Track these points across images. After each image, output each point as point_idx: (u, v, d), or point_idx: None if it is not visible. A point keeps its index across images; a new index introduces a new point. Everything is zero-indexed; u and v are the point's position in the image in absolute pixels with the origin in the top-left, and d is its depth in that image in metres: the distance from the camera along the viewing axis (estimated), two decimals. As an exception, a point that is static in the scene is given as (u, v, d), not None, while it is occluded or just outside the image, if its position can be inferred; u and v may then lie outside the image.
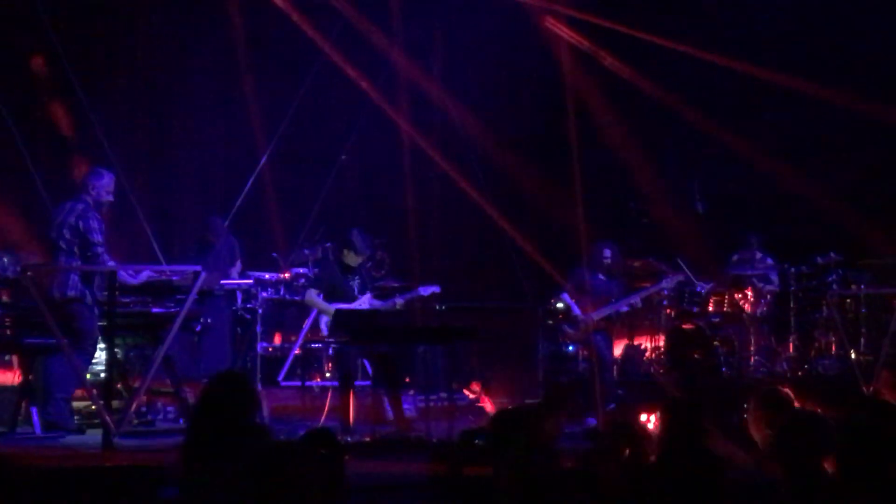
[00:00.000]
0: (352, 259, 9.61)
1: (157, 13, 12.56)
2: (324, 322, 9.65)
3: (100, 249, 8.49)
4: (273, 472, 3.72)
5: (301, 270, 11.38)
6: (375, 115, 12.79)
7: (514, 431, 5.00)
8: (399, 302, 9.71)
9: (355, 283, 9.60)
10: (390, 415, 9.35)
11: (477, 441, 5.57)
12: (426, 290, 9.89)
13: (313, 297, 9.57)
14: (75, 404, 8.76)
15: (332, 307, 9.32)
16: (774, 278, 11.74)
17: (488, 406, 10.89)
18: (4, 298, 8.89)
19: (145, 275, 8.95)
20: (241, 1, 12.11)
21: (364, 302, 9.55)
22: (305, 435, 4.83)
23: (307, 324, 10.44)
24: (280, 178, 12.54)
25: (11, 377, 9.18)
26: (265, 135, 12.41)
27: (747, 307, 11.46)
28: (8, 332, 8.60)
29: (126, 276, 8.76)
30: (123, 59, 12.41)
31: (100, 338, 8.59)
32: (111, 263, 8.57)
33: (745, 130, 12.70)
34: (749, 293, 11.52)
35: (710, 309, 11.55)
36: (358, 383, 9.88)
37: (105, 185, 8.78)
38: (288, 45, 12.78)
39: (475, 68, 13.11)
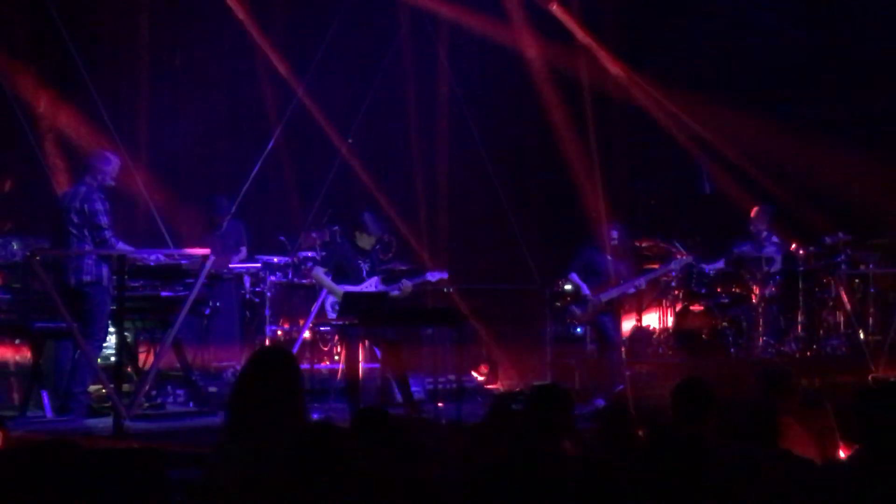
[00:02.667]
0: (364, 241, 9.64)
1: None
2: (329, 304, 9.67)
3: (107, 233, 8.51)
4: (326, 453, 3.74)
5: (309, 254, 11.39)
6: (383, 97, 12.77)
7: (552, 406, 5.01)
8: (407, 285, 9.73)
9: (365, 266, 9.62)
10: (399, 397, 9.38)
11: (514, 406, 5.57)
12: (434, 276, 9.92)
13: (320, 274, 9.58)
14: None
15: (340, 288, 9.35)
16: (778, 258, 11.70)
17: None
18: (14, 283, 8.91)
19: (154, 257, 8.99)
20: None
21: (372, 285, 9.56)
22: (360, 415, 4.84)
23: (315, 307, 10.46)
24: (288, 162, 12.55)
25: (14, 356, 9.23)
26: (273, 118, 12.42)
27: (755, 288, 11.44)
28: (18, 316, 8.64)
29: (140, 255, 8.81)
30: (127, 40, 12.38)
31: (109, 322, 8.64)
32: (120, 245, 8.60)
33: (753, 109, 12.66)
34: (756, 274, 11.50)
35: (718, 290, 11.54)
36: (366, 366, 9.92)
37: (112, 171, 8.81)
38: (294, 27, 12.77)
39: (480, 47, 13.07)
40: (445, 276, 9.98)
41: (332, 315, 9.61)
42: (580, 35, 12.94)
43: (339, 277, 9.51)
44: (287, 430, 4.08)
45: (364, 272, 9.60)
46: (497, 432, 5.19)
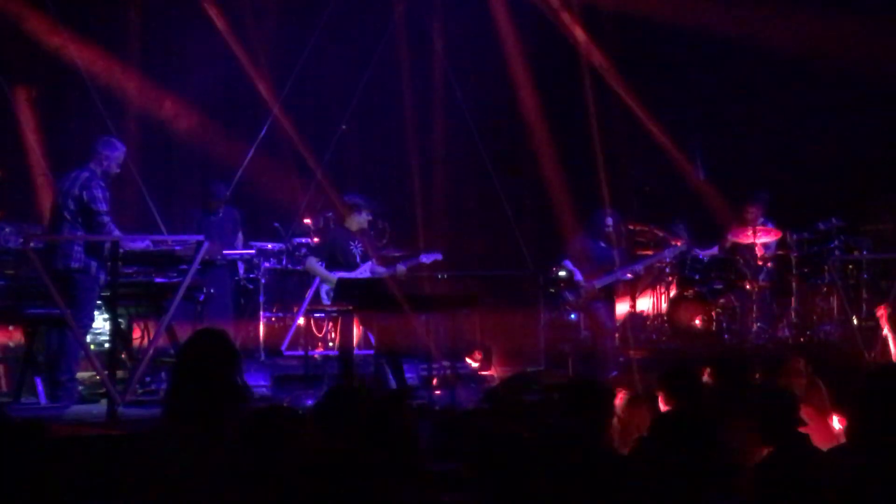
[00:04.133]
0: (353, 223, 9.65)
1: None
2: (324, 291, 9.67)
3: (105, 219, 8.46)
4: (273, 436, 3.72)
5: (303, 240, 11.39)
6: (376, 83, 12.75)
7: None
8: (401, 269, 9.73)
9: (357, 251, 9.62)
10: (392, 383, 9.39)
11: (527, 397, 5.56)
12: (428, 258, 9.93)
13: (314, 264, 9.60)
14: (80, 374, 8.80)
15: (333, 275, 9.35)
16: (773, 243, 11.72)
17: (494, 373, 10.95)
18: (7, 269, 8.88)
19: (144, 244, 8.94)
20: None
21: (365, 270, 9.57)
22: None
23: (310, 293, 10.47)
24: (281, 148, 12.52)
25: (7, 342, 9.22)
26: (266, 103, 12.38)
27: (749, 274, 11.46)
28: (11, 302, 8.61)
29: (128, 241, 8.75)
30: (119, 23, 12.32)
31: (103, 308, 8.61)
32: (116, 233, 8.56)
33: (747, 96, 12.67)
34: (751, 260, 11.52)
35: (712, 276, 11.55)
36: (359, 352, 9.92)
37: (117, 158, 8.74)
38: (289, 12, 12.74)
39: (476, 32, 13.05)
40: (440, 257, 9.98)
41: (326, 302, 9.61)
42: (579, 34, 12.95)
43: (333, 265, 9.51)
44: (228, 415, 4.05)
45: (358, 257, 9.60)
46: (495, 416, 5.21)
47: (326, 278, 9.50)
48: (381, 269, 9.75)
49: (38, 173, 10.99)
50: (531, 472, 3.74)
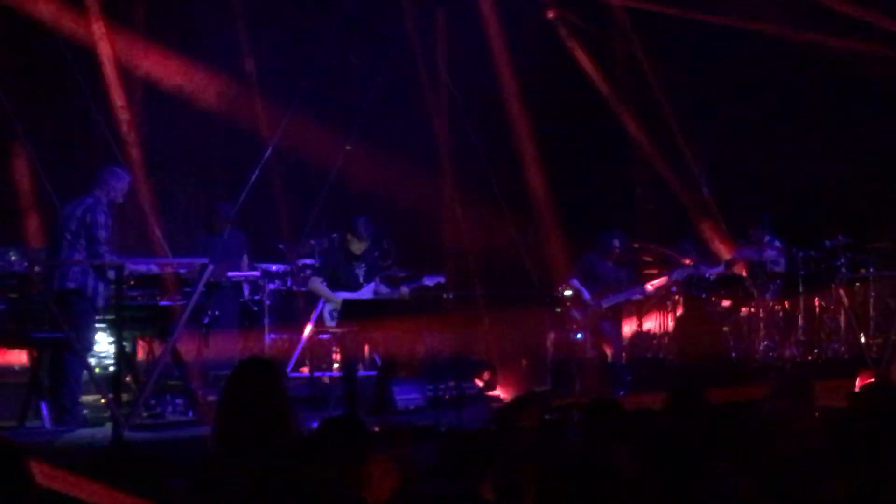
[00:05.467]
0: (356, 246, 9.65)
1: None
2: (328, 311, 9.65)
3: (102, 248, 8.45)
4: (304, 462, 3.70)
5: (308, 261, 11.36)
6: (383, 101, 12.74)
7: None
8: (404, 291, 9.71)
9: (360, 272, 9.62)
10: (398, 405, 9.41)
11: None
12: (431, 280, 9.91)
13: (317, 284, 9.60)
14: (84, 398, 8.76)
15: (338, 295, 9.33)
16: (781, 261, 11.69)
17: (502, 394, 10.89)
18: (12, 293, 8.86)
19: (147, 267, 8.94)
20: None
21: (368, 291, 9.56)
22: (329, 422, 4.81)
23: (315, 315, 10.44)
24: (285, 169, 12.51)
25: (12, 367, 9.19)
26: (270, 125, 12.37)
27: (756, 291, 11.42)
28: (16, 326, 8.59)
29: (132, 265, 8.75)
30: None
31: (108, 331, 8.59)
32: (116, 259, 8.54)
33: (754, 112, 12.64)
34: (758, 278, 11.48)
35: (719, 293, 11.51)
36: (365, 374, 9.89)
37: (122, 188, 8.79)
38: (292, 32, 12.72)
39: (479, 54, 13.05)
40: (443, 280, 9.97)
41: (330, 322, 9.59)
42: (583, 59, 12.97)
43: (335, 286, 9.50)
44: (277, 441, 4.05)
45: (361, 278, 9.59)
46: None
47: (330, 298, 9.48)
48: (384, 291, 9.73)
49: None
50: None
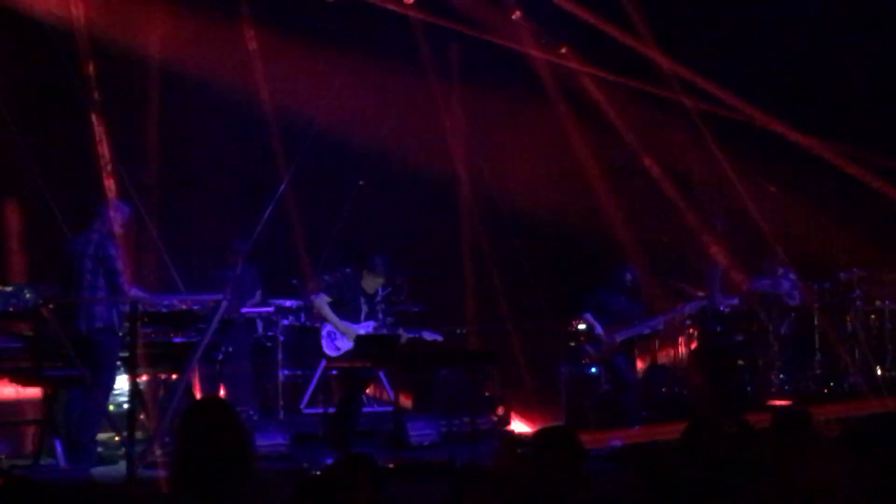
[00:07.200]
0: (369, 283, 9.63)
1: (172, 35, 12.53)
2: (325, 331, 9.56)
3: (121, 279, 8.50)
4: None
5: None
6: (396, 138, 12.77)
7: (558, 449, 4.89)
8: (403, 335, 9.64)
9: (364, 308, 9.59)
10: (412, 440, 9.37)
11: (520, 451, 5.50)
12: (429, 336, 9.84)
13: (321, 301, 9.53)
14: (99, 436, 8.76)
15: (343, 323, 9.33)
16: (796, 294, 11.65)
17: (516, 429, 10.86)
18: (26, 331, 8.88)
19: (168, 303, 8.97)
20: (255, 25, 12.08)
21: (367, 328, 9.52)
22: (344, 460, 4.77)
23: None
24: (299, 205, 12.52)
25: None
26: (284, 160, 12.39)
27: (771, 325, 11.38)
28: (30, 364, 8.60)
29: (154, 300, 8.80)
30: (138, 84, 12.36)
31: (121, 368, 8.61)
32: (134, 291, 8.57)
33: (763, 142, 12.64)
34: (772, 311, 11.44)
35: (734, 327, 11.46)
36: (377, 409, 9.88)
37: (121, 219, 8.82)
38: (304, 70, 12.77)
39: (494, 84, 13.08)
40: (440, 338, 9.90)
41: (324, 342, 9.51)
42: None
43: (337, 310, 9.48)
44: (235, 477, 3.97)
45: (363, 313, 9.58)
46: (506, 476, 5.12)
47: (328, 318, 9.43)
48: (384, 331, 9.70)
49: None
50: None
